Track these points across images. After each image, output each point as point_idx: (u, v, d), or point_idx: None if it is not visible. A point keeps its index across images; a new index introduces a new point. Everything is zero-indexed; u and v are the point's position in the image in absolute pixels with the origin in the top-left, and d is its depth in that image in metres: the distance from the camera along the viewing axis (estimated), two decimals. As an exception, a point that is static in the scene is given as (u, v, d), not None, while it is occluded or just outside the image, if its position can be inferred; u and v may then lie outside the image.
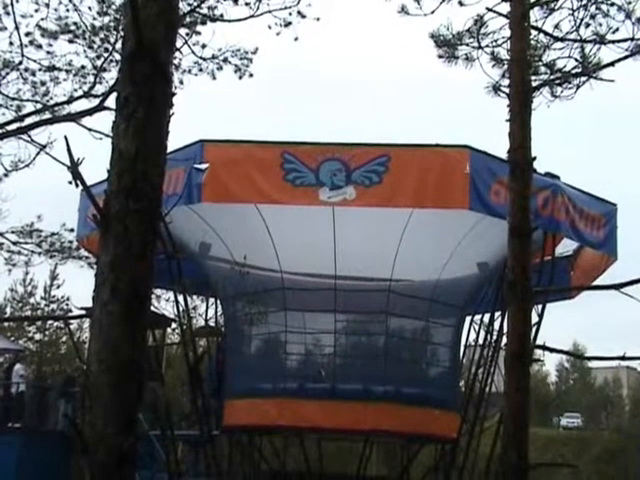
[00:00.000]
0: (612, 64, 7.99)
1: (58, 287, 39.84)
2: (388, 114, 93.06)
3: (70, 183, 4.90)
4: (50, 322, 38.80)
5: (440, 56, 8.65)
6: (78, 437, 4.63)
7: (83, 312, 15.70)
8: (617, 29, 8.28)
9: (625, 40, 8.07)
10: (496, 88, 8.45)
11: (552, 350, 7.61)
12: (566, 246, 19.19)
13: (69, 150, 4.70)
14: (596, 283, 18.57)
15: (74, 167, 4.73)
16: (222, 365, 19.90)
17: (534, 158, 7.55)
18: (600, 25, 8.26)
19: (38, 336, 39.41)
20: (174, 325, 22.34)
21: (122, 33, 12.60)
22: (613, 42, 8.14)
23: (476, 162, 15.61)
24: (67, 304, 38.54)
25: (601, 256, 18.85)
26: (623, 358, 7.52)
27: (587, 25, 8.22)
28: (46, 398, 20.64)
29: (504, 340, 17.54)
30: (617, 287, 6.81)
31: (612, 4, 8.30)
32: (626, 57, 8.05)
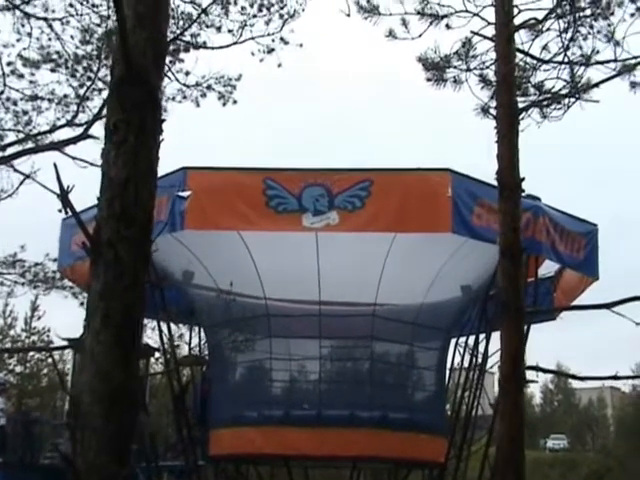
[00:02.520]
0: (597, 85, 8.07)
1: (39, 318, 39.44)
2: (370, 135, 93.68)
3: (60, 211, 4.86)
4: (31, 354, 38.42)
5: (428, 79, 8.66)
6: (70, 469, 4.55)
7: (66, 343, 15.59)
8: (598, 51, 8.37)
9: (609, 61, 8.15)
10: (485, 110, 8.47)
11: (545, 371, 7.59)
12: (548, 267, 19.23)
13: (58, 178, 4.66)
14: (590, 303, 18.52)
15: (64, 195, 4.69)
16: (207, 394, 19.73)
17: (522, 179, 7.58)
18: (581, 48, 8.34)
19: (19, 368, 38.94)
20: (157, 354, 22.18)
21: (105, 61, 12.64)
22: (599, 63, 8.21)
23: (458, 185, 15.65)
24: (48, 335, 38.21)
25: (581, 276, 18.91)
26: (615, 378, 7.51)
27: (567, 48, 8.29)
28: (31, 431, 20.34)
29: (489, 363, 17.64)
30: (608, 306, 6.81)
31: (592, 26, 8.39)
32: (612, 77, 8.13)
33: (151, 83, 4.81)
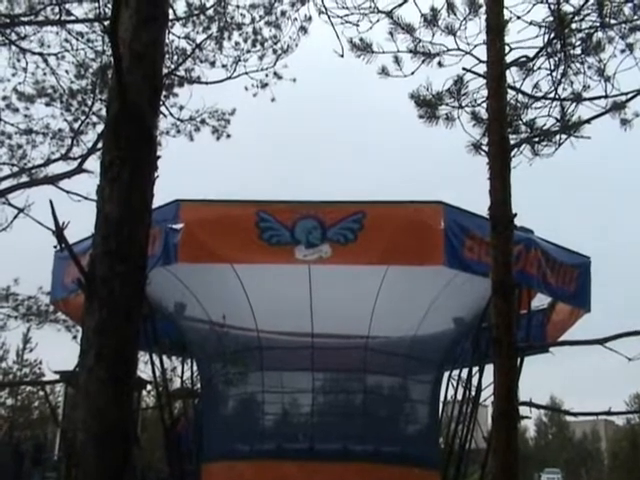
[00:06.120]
0: (588, 121, 8.15)
1: (31, 351, 39.36)
2: (365, 170, 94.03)
3: (55, 247, 4.88)
4: (23, 387, 38.24)
5: (421, 116, 8.73)
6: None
7: (58, 377, 15.49)
8: (589, 86, 8.47)
9: (599, 97, 8.25)
10: (477, 146, 8.53)
11: (538, 407, 7.56)
12: (541, 299, 19.21)
13: (54, 214, 4.68)
14: (581, 332, 18.50)
15: (59, 231, 4.71)
16: (199, 428, 19.60)
17: (515, 214, 7.63)
18: (572, 84, 8.44)
19: (10, 401, 38.71)
20: (149, 387, 22.04)
21: (99, 96, 12.72)
22: (589, 99, 8.30)
23: (450, 218, 15.64)
24: (40, 368, 38.09)
25: (572, 308, 18.88)
26: (609, 413, 7.48)
27: (559, 83, 8.38)
28: (20, 465, 20.10)
29: (482, 396, 17.58)
30: (601, 342, 6.83)
31: (582, 62, 8.50)
32: (602, 114, 8.22)
33: (147, 121, 4.86)
